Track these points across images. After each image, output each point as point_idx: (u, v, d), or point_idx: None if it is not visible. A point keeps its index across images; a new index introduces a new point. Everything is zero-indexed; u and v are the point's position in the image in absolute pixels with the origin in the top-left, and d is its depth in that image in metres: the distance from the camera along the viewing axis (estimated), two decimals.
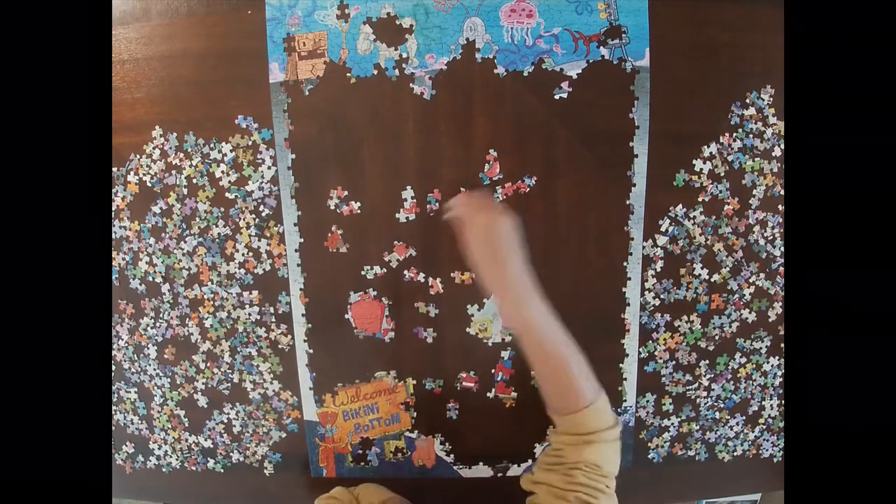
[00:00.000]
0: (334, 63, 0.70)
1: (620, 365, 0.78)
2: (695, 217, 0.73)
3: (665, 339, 0.77)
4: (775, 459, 0.85)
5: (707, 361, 0.78)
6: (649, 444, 0.81)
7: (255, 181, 0.73)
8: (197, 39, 0.71)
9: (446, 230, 0.72)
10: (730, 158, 0.72)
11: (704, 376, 0.79)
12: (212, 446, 0.84)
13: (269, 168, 0.73)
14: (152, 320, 0.80)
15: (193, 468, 0.86)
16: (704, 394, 0.80)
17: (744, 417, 0.82)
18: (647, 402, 0.79)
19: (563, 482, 0.58)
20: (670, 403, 0.80)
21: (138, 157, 0.75)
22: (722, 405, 0.81)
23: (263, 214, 0.74)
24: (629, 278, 0.75)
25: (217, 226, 0.75)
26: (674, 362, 0.78)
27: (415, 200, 0.72)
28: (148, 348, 0.81)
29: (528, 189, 0.72)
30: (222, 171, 0.74)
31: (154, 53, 0.72)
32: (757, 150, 0.72)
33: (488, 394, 0.79)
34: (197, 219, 0.75)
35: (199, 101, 0.72)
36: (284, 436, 0.82)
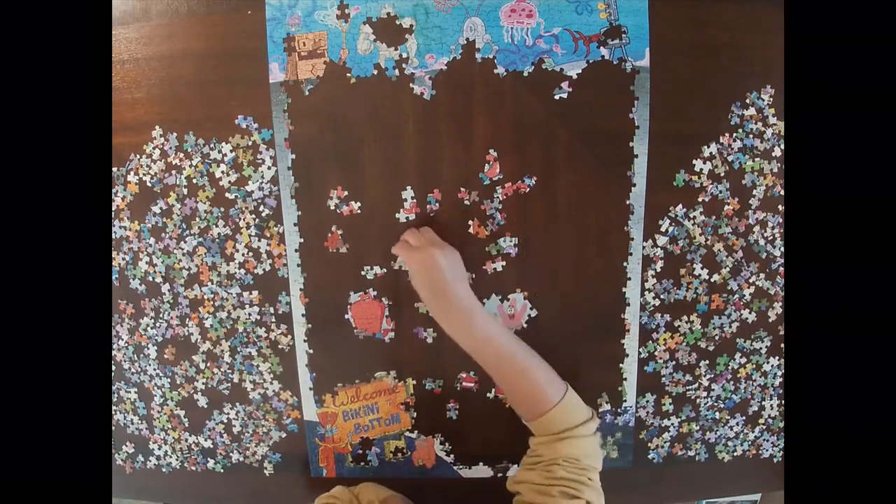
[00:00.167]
0: (334, 63, 0.70)
1: (620, 365, 0.78)
2: (695, 217, 0.73)
3: (665, 340, 0.77)
4: (775, 459, 0.85)
5: (707, 361, 0.78)
6: (649, 445, 0.81)
7: (255, 181, 0.74)
8: (197, 39, 0.71)
9: (446, 230, 0.72)
10: (730, 158, 0.72)
11: (704, 376, 0.79)
12: (212, 446, 0.84)
13: (269, 168, 0.73)
14: (152, 320, 0.80)
15: (193, 468, 0.86)
16: (704, 394, 0.80)
17: (744, 417, 0.82)
18: (647, 402, 0.79)
19: (544, 478, 0.60)
20: (670, 403, 0.80)
21: (138, 157, 0.75)
22: (722, 405, 0.81)
23: (263, 214, 0.74)
24: (629, 278, 0.75)
25: (217, 226, 0.75)
26: (674, 362, 0.78)
27: (415, 200, 0.72)
28: (148, 348, 0.81)
29: (528, 189, 0.72)
30: (222, 171, 0.74)
31: (154, 53, 0.72)
32: (757, 150, 0.72)
33: (488, 394, 0.79)
34: (197, 219, 0.75)
35: (199, 101, 0.72)
36: (284, 436, 0.82)
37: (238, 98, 0.72)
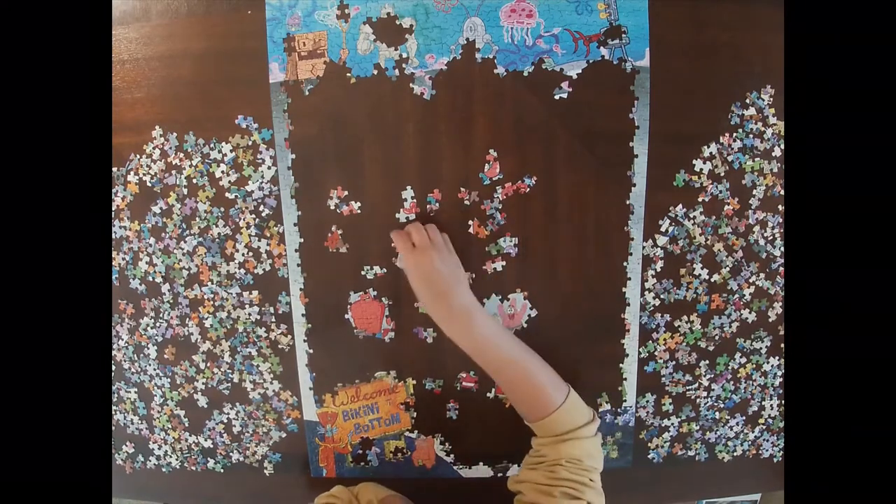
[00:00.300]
0: (334, 63, 0.70)
1: (620, 365, 0.78)
2: (695, 217, 0.73)
3: (665, 339, 0.77)
4: (775, 459, 0.85)
5: (707, 361, 0.78)
6: (649, 445, 0.81)
7: (255, 181, 0.74)
8: (197, 39, 0.71)
9: (446, 230, 0.72)
10: (730, 158, 0.72)
11: (704, 376, 0.79)
12: (212, 446, 0.84)
13: (269, 168, 0.73)
14: (152, 320, 0.80)
15: (193, 468, 0.86)
16: (704, 394, 0.80)
17: (744, 417, 0.82)
18: (647, 402, 0.79)
19: (547, 478, 0.60)
20: (670, 403, 0.80)
21: (138, 157, 0.75)
22: (722, 405, 0.81)
23: (263, 214, 0.74)
24: (629, 278, 0.75)
25: (217, 226, 0.75)
26: (674, 362, 0.78)
27: (415, 200, 0.72)
28: (148, 348, 0.81)
29: (528, 189, 0.72)
30: (222, 171, 0.74)
31: (154, 53, 0.72)
32: (757, 150, 0.72)
33: (488, 394, 0.79)
34: (197, 219, 0.75)
35: (199, 101, 0.72)
36: (284, 436, 0.82)
37: (238, 98, 0.72)
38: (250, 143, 0.73)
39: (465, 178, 0.72)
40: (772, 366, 0.80)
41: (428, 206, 0.73)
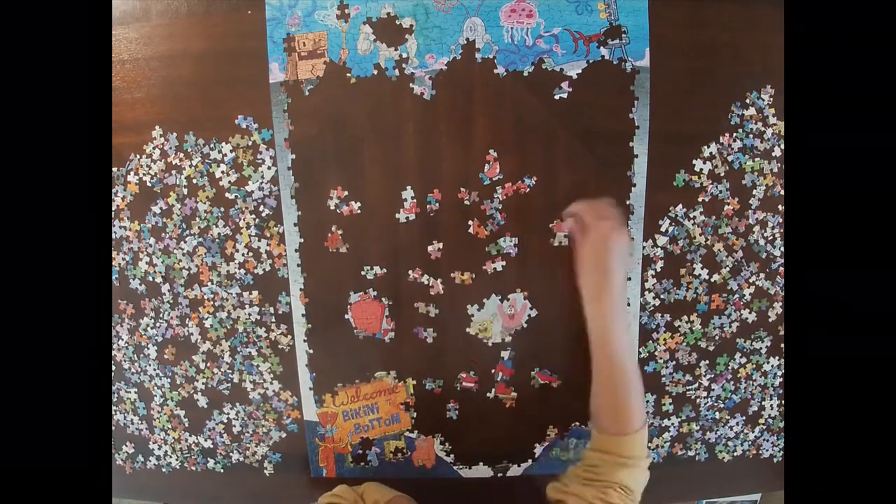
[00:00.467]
0: (334, 63, 0.70)
1: None
2: (695, 217, 0.73)
3: (665, 340, 0.77)
4: (775, 459, 0.85)
5: (707, 361, 0.78)
6: (649, 445, 0.81)
7: (255, 181, 0.74)
8: (197, 39, 0.71)
9: (446, 230, 0.72)
10: (730, 158, 0.72)
11: (704, 376, 0.79)
12: (212, 446, 0.84)
13: (269, 168, 0.73)
14: (152, 320, 0.80)
15: (193, 468, 0.86)
16: (704, 394, 0.80)
17: (744, 417, 0.82)
18: (647, 402, 0.79)
19: (598, 499, 0.59)
20: (670, 403, 0.80)
21: (138, 157, 0.75)
22: (722, 405, 0.81)
23: (263, 214, 0.74)
24: (629, 278, 0.75)
25: (217, 226, 0.75)
26: (674, 362, 0.78)
27: (415, 200, 0.72)
28: (148, 348, 0.81)
29: (528, 189, 0.72)
30: (222, 171, 0.74)
31: (154, 53, 0.72)
32: (757, 150, 0.72)
33: (488, 394, 0.79)
34: (197, 219, 0.75)
35: (199, 101, 0.72)
36: (284, 436, 0.82)
37: (238, 98, 0.72)
38: (250, 143, 0.73)
39: (465, 178, 0.72)
40: (772, 366, 0.80)
41: (428, 206, 0.73)
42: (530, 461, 0.81)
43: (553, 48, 0.69)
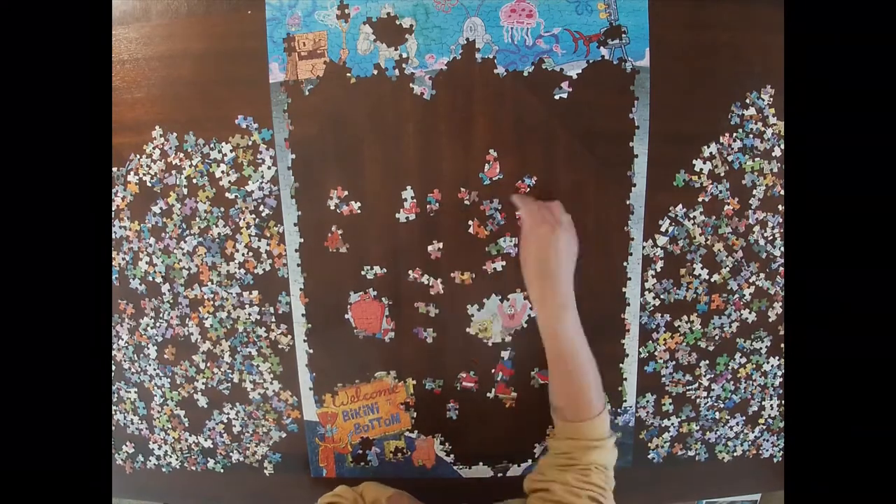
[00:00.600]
0: (334, 63, 0.70)
1: (620, 365, 0.78)
2: (695, 217, 0.73)
3: (665, 340, 0.77)
4: (775, 459, 0.85)
5: (707, 361, 0.78)
6: (649, 445, 0.81)
7: (255, 181, 0.74)
8: (197, 39, 0.71)
9: (446, 230, 0.72)
10: (730, 158, 0.72)
11: (704, 376, 0.79)
12: (212, 446, 0.84)
13: (269, 168, 0.73)
14: (152, 320, 0.80)
15: (193, 468, 0.86)
16: (704, 394, 0.80)
17: (744, 417, 0.82)
18: (647, 402, 0.79)
19: (578, 480, 0.61)
20: (670, 403, 0.80)
21: (138, 157, 0.75)
22: (722, 405, 0.81)
23: (263, 214, 0.74)
24: (629, 278, 0.75)
25: (217, 226, 0.75)
26: (674, 362, 0.78)
27: (415, 200, 0.72)
28: (148, 348, 0.81)
29: (528, 189, 0.72)
30: (222, 171, 0.74)
31: (154, 53, 0.72)
32: (757, 150, 0.72)
33: (488, 394, 0.79)
34: (197, 219, 0.75)
35: (199, 101, 0.72)
36: (284, 436, 0.82)
37: (238, 98, 0.72)
38: (250, 143, 0.73)
39: (465, 178, 0.72)
40: (772, 366, 0.80)
41: (428, 206, 0.73)
42: (530, 461, 0.81)
43: (553, 48, 0.69)
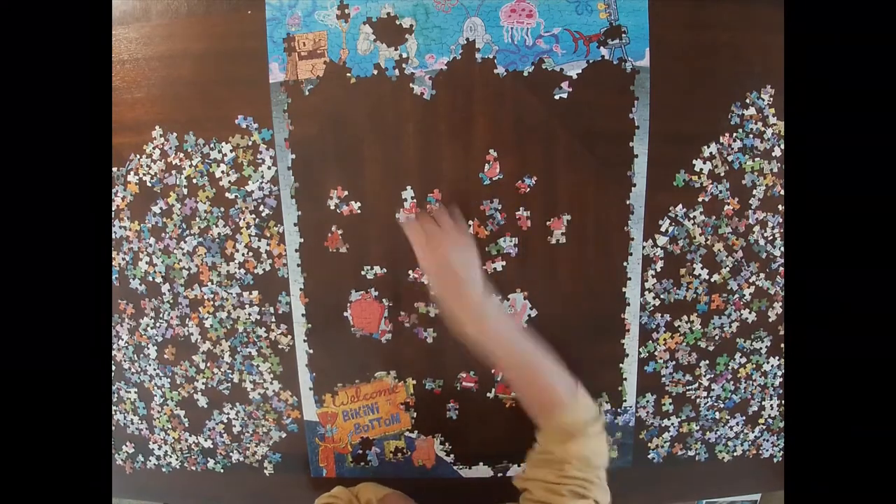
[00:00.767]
0: (334, 63, 0.70)
1: (620, 365, 0.78)
2: (695, 217, 0.73)
3: (665, 340, 0.77)
4: (775, 459, 0.85)
5: (707, 361, 0.78)
6: (649, 445, 0.81)
7: (255, 181, 0.74)
8: (197, 39, 0.71)
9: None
10: (730, 158, 0.72)
11: (704, 376, 0.79)
12: (212, 446, 0.84)
13: (269, 168, 0.73)
14: (152, 320, 0.80)
15: (193, 468, 0.86)
16: (704, 394, 0.80)
17: (744, 417, 0.82)
18: (647, 402, 0.79)
19: (556, 476, 0.60)
20: (670, 403, 0.80)
21: (138, 157, 0.75)
22: (722, 405, 0.81)
23: (263, 214, 0.74)
24: (629, 278, 0.75)
25: (217, 226, 0.75)
26: (674, 362, 0.78)
27: (415, 200, 0.72)
28: (148, 348, 0.81)
29: (528, 189, 0.72)
30: (222, 171, 0.74)
31: (154, 53, 0.72)
32: (757, 150, 0.72)
33: (488, 394, 0.79)
34: (197, 219, 0.75)
35: (199, 101, 0.72)
36: (284, 436, 0.82)
37: (238, 98, 0.72)
38: (250, 143, 0.73)
39: (465, 178, 0.72)
40: (772, 366, 0.80)
41: (428, 206, 0.73)
42: None
43: (553, 48, 0.69)
